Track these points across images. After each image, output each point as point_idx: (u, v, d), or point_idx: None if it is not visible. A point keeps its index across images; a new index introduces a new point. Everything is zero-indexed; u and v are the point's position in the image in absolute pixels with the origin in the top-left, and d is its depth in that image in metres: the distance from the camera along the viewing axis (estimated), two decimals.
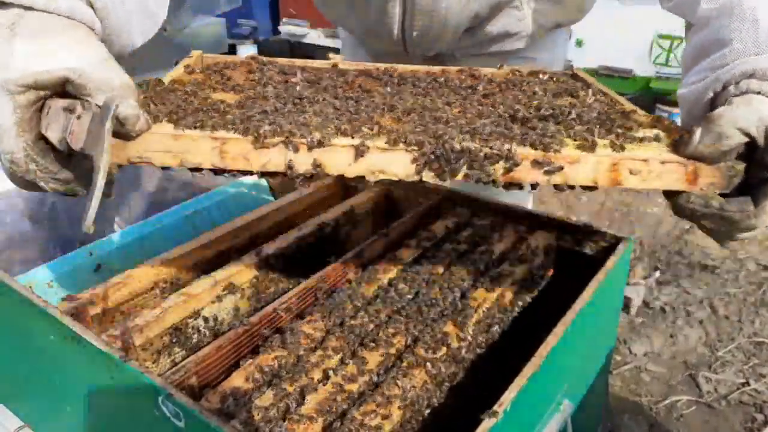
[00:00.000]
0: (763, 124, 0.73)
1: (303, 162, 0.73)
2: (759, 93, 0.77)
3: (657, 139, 0.80)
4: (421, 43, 1.34)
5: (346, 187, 1.35)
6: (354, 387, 0.79)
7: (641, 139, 0.79)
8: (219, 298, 1.01)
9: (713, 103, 0.82)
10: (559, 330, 0.82)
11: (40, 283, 1.03)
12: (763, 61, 0.78)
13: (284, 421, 0.74)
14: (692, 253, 2.85)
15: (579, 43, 3.93)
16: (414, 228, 1.19)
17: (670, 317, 2.44)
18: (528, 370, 0.75)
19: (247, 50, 5.80)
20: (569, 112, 0.84)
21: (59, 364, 0.87)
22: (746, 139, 0.73)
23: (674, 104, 3.82)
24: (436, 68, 1.08)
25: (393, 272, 1.02)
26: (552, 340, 0.80)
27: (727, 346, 2.28)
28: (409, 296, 0.97)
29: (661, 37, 3.70)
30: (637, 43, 3.70)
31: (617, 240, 1.07)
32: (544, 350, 0.78)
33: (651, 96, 3.88)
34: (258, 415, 0.75)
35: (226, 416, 0.75)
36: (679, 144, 0.76)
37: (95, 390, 0.83)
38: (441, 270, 1.04)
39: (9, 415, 1.04)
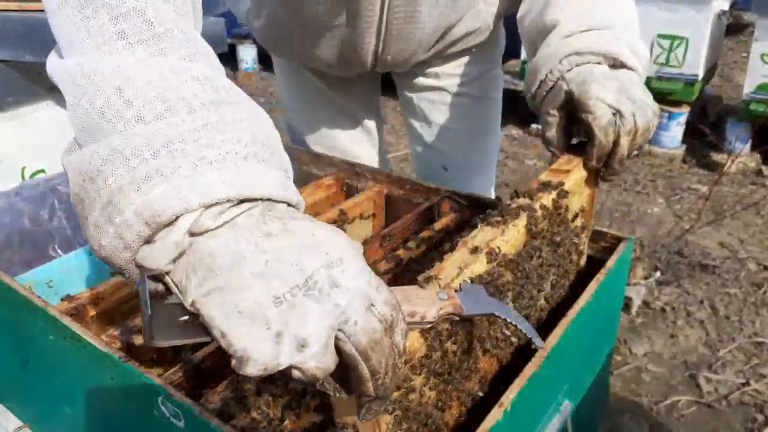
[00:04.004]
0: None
1: None
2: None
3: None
4: (393, 64, 1.37)
5: (347, 187, 1.35)
6: None
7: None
8: None
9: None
10: (559, 330, 0.82)
11: (40, 283, 1.02)
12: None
13: (284, 421, 0.74)
14: (693, 254, 2.85)
15: None
16: (414, 228, 1.19)
17: (670, 317, 2.44)
18: (528, 370, 0.75)
19: (247, 50, 5.79)
20: None
21: (59, 364, 0.87)
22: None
23: (674, 104, 3.82)
24: None
25: (393, 272, 1.02)
26: (552, 341, 0.80)
27: (728, 346, 2.28)
28: None
29: (662, 36, 3.70)
30: None
31: (617, 240, 1.07)
32: (544, 350, 0.78)
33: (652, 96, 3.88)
34: (258, 414, 0.75)
35: (226, 416, 0.74)
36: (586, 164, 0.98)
37: (94, 390, 0.83)
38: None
39: (8, 414, 1.04)
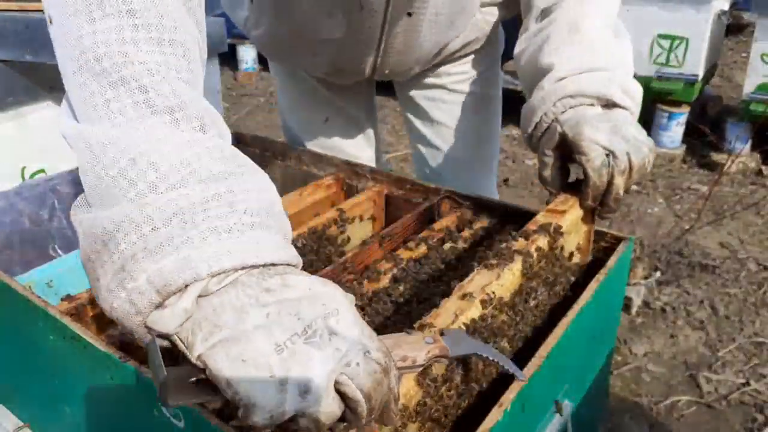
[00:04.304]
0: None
1: None
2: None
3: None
4: (391, 74, 1.39)
5: (347, 187, 1.35)
6: None
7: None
8: None
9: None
10: (559, 330, 0.82)
11: (40, 282, 1.02)
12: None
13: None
14: (692, 254, 2.85)
15: None
16: (414, 228, 1.19)
17: (670, 317, 2.44)
18: (528, 370, 0.75)
19: (247, 50, 5.79)
20: None
21: (59, 364, 0.87)
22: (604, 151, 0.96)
23: (674, 104, 3.82)
24: None
25: (393, 272, 1.02)
26: (552, 341, 0.80)
27: (728, 346, 2.28)
28: (409, 296, 0.97)
29: (662, 37, 3.70)
30: (637, 43, 3.69)
31: (617, 240, 1.07)
32: (544, 350, 0.78)
33: (651, 96, 3.88)
34: None
35: (226, 416, 0.74)
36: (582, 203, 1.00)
37: (94, 390, 0.83)
38: (441, 270, 1.04)
39: (8, 414, 1.04)
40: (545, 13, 1.16)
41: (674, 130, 3.88)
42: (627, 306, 2.44)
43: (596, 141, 0.96)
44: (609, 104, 1.02)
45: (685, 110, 3.83)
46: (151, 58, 0.63)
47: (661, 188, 3.57)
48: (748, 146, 3.64)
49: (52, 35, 0.67)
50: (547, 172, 1.05)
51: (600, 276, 0.95)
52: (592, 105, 1.02)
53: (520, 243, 0.90)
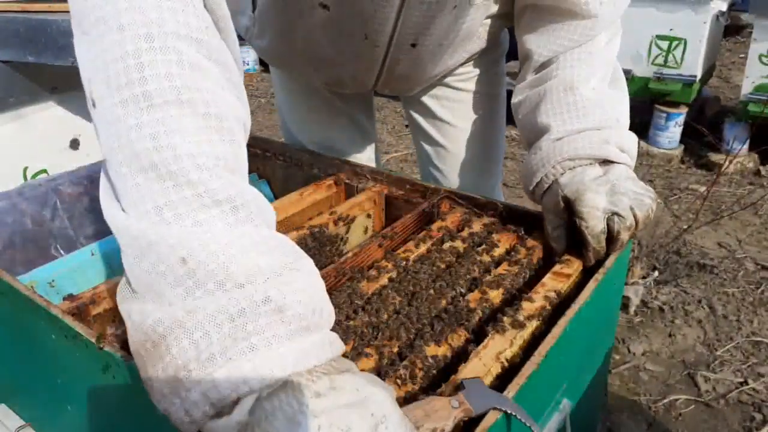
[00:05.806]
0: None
1: None
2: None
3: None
4: (392, 92, 1.43)
5: (347, 187, 1.35)
6: None
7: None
8: None
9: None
10: (558, 329, 0.82)
11: (42, 282, 1.03)
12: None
13: None
14: (690, 253, 2.86)
15: None
16: (414, 228, 1.19)
17: (668, 317, 2.45)
18: (527, 369, 0.75)
19: (247, 52, 5.79)
20: None
21: (60, 363, 0.87)
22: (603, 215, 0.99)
23: (672, 105, 3.83)
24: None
25: (393, 272, 1.03)
26: (551, 340, 0.80)
27: (726, 345, 2.29)
28: (409, 296, 0.98)
29: (660, 38, 3.71)
30: (636, 44, 3.71)
31: None
32: (543, 349, 0.79)
33: (649, 97, 3.89)
34: None
35: None
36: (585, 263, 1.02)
37: (96, 389, 0.83)
38: (441, 270, 1.04)
39: (10, 414, 1.05)
40: (543, 66, 1.19)
41: (672, 131, 3.89)
42: (625, 305, 2.45)
43: (597, 207, 0.98)
44: (606, 161, 1.06)
45: (683, 111, 3.84)
46: (198, 149, 0.63)
47: (659, 188, 3.58)
48: (746, 146, 3.65)
49: (94, 119, 0.66)
50: (552, 234, 1.07)
51: (598, 275, 0.95)
52: (590, 164, 1.05)
53: (529, 308, 0.92)
